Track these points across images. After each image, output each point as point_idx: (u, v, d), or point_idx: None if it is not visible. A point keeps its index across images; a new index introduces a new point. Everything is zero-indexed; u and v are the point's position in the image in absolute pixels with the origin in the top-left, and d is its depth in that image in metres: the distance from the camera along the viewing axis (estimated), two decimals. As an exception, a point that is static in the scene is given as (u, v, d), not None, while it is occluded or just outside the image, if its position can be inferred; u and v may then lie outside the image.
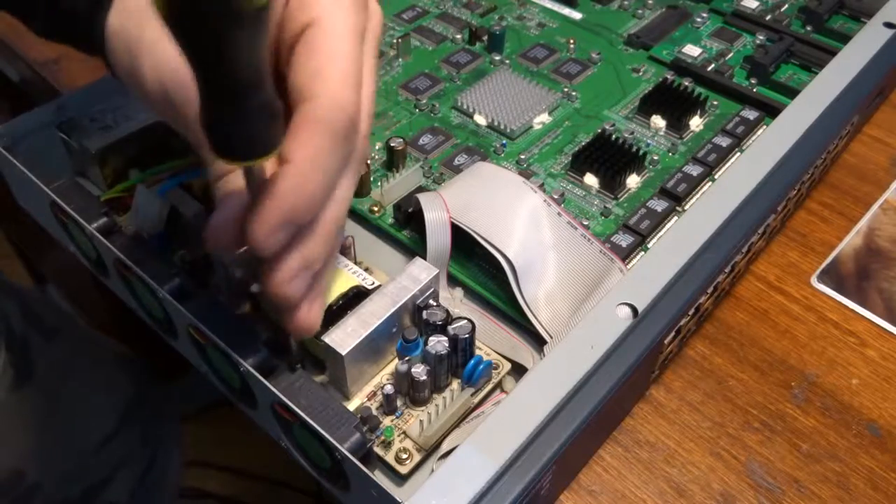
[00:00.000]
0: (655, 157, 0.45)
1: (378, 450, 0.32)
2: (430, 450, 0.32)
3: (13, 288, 0.60)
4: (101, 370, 0.65)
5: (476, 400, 0.34)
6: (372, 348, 0.33)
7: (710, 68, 0.50)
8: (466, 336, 0.33)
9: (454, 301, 0.37)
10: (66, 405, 0.59)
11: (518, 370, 0.35)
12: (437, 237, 0.37)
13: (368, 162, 0.42)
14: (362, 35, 0.28)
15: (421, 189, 0.42)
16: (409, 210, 0.40)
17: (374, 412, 0.33)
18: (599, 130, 0.46)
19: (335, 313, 0.34)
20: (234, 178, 0.28)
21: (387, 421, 0.33)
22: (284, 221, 0.26)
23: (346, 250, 0.38)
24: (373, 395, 0.34)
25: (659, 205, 0.41)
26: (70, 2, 0.31)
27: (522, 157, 0.44)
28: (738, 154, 0.44)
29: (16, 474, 0.54)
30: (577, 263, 0.37)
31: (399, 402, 0.33)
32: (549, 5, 0.57)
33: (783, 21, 0.54)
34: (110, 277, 0.39)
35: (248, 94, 0.23)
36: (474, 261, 0.39)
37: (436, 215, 0.37)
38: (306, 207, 0.26)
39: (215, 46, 0.21)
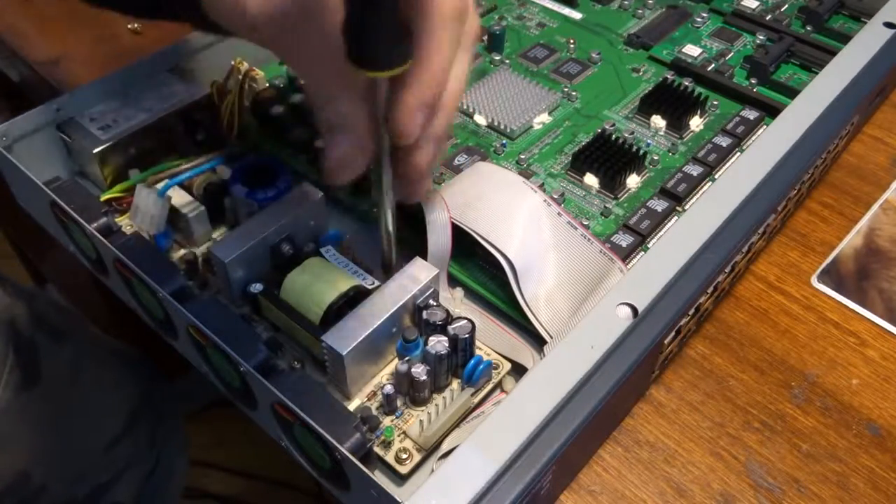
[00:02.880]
0: (655, 157, 0.45)
1: (378, 450, 0.32)
2: (430, 450, 0.32)
3: (21, 290, 0.60)
4: (108, 372, 0.65)
5: (476, 400, 0.34)
6: (372, 348, 0.33)
7: (710, 68, 0.50)
8: (466, 336, 0.33)
9: (454, 301, 0.37)
10: (74, 407, 0.59)
11: (518, 370, 0.35)
12: (438, 237, 0.37)
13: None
14: None
15: (421, 189, 0.42)
16: (410, 210, 0.40)
17: (374, 412, 0.33)
18: (599, 130, 0.46)
19: (335, 313, 0.34)
20: (337, 111, 0.31)
21: (387, 421, 0.33)
22: (423, 105, 0.30)
23: (346, 250, 0.38)
24: (373, 395, 0.34)
25: (659, 205, 0.41)
26: None
27: (522, 157, 0.44)
28: (738, 154, 0.44)
29: (22, 476, 0.54)
30: (577, 263, 0.37)
31: (399, 402, 0.33)
32: (549, 5, 0.57)
33: (783, 21, 0.54)
34: (110, 277, 0.39)
35: (395, 7, 0.26)
36: (474, 261, 0.39)
37: (436, 215, 0.37)
38: (437, 89, 0.30)
39: None
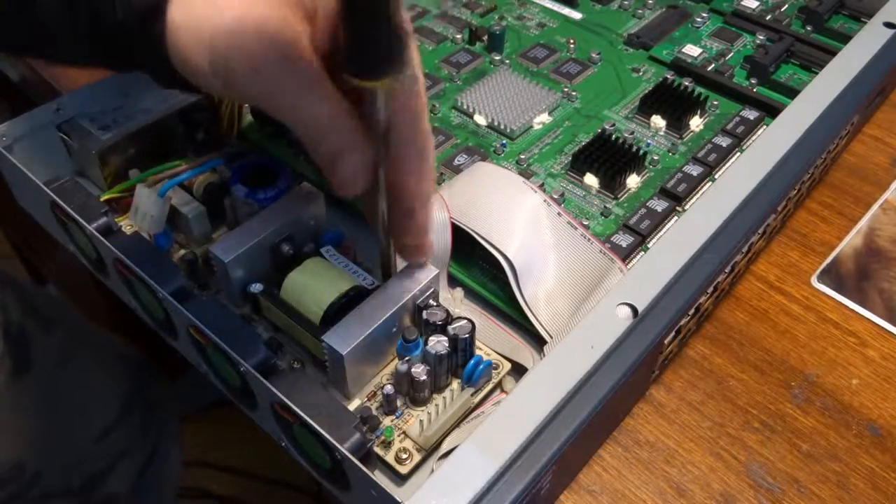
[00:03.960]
0: (655, 157, 0.45)
1: (378, 450, 0.32)
2: (430, 450, 0.32)
3: (11, 279, 0.60)
4: (100, 361, 0.65)
5: (476, 400, 0.34)
6: (372, 348, 0.33)
7: (710, 68, 0.50)
8: (466, 336, 0.33)
9: (454, 301, 0.37)
10: (66, 396, 0.59)
11: (518, 370, 0.35)
12: (438, 237, 0.37)
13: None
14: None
15: (421, 189, 0.42)
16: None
17: (374, 412, 0.33)
18: (599, 130, 0.46)
19: (335, 313, 0.34)
20: (334, 140, 0.31)
21: (387, 421, 0.33)
22: (421, 155, 0.32)
23: (346, 250, 0.38)
24: (373, 395, 0.34)
25: (659, 205, 0.41)
26: (117, 17, 0.31)
27: (522, 157, 0.44)
28: (738, 154, 0.44)
29: (16, 465, 0.54)
30: (577, 263, 0.37)
31: (399, 402, 0.33)
32: (549, 5, 0.57)
33: (783, 21, 0.54)
34: (110, 277, 0.39)
35: (391, 15, 0.26)
36: (474, 261, 0.39)
37: (436, 215, 0.37)
38: (427, 141, 0.32)
39: None
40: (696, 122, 0.46)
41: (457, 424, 0.33)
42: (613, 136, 0.44)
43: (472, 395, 0.33)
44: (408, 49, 0.28)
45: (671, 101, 0.46)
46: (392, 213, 0.33)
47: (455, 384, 0.34)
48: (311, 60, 0.29)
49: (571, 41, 0.53)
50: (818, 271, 0.42)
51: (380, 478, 0.31)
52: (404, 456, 0.32)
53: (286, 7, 0.29)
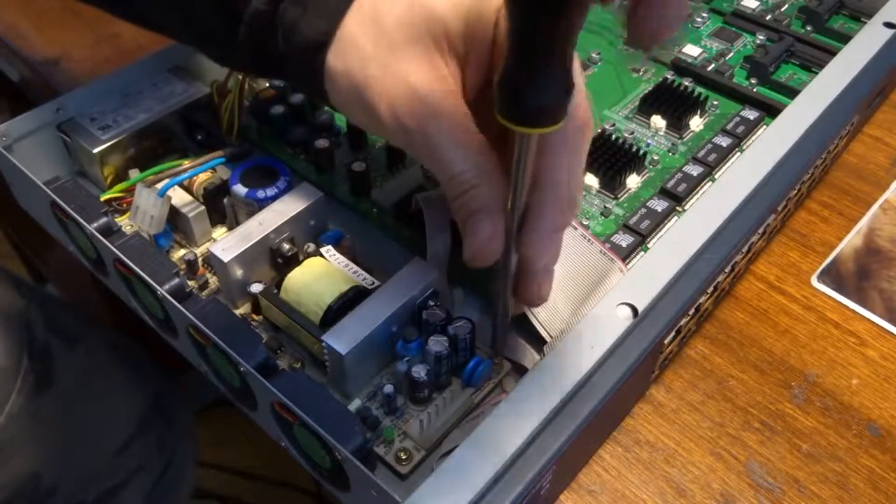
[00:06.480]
0: (655, 157, 0.45)
1: (378, 450, 0.32)
2: (430, 450, 0.32)
3: (38, 293, 0.60)
4: (119, 375, 0.65)
5: (476, 400, 0.34)
6: (372, 348, 0.33)
7: (710, 68, 0.50)
8: (466, 336, 0.33)
9: (454, 301, 0.37)
10: (85, 411, 0.59)
11: (518, 370, 0.35)
12: (437, 237, 0.37)
13: (368, 162, 0.42)
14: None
15: (421, 189, 0.42)
16: (409, 210, 0.40)
17: (374, 412, 0.33)
18: (599, 130, 0.46)
19: (335, 313, 0.34)
20: (475, 197, 0.30)
21: (387, 421, 0.33)
22: (556, 230, 0.31)
23: (346, 250, 0.38)
24: (373, 395, 0.34)
25: (659, 205, 0.41)
26: (279, 49, 0.33)
27: (522, 157, 0.44)
28: (738, 154, 0.44)
29: (32, 478, 0.54)
30: (577, 263, 0.37)
31: (399, 402, 0.33)
32: (549, 5, 0.56)
33: (783, 21, 0.54)
34: (110, 277, 0.39)
35: (557, 62, 0.24)
36: (474, 261, 0.38)
37: (436, 215, 0.37)
38: (569, 213, 0.31)
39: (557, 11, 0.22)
40: (696, 122, 0.46)
41: (457, 424, 0.33)
42: (613, 136, 0.44)
43: (472, 395, 0.34)
44: (567, 104, 0.25)
45: (671, 101, 0.46)
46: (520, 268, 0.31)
47: (455, 384, 0.34)
48: (460, 113, 0.30)
49: (571, 41, 0.53)
50: (818, 271, 0.42)
51: (380, 478, 0.31)
52: (404, 456, 0.32)
53: (438, 57, 0.30)
